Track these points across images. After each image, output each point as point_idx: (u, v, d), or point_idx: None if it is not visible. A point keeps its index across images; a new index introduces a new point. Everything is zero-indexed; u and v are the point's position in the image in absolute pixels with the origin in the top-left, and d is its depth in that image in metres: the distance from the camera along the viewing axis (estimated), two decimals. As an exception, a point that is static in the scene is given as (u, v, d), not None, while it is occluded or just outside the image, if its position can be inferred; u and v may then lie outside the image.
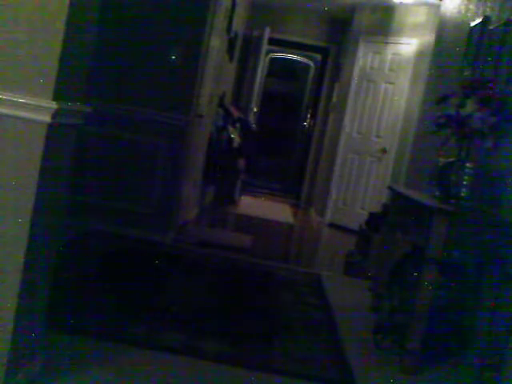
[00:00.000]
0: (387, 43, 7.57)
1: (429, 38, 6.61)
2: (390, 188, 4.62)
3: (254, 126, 9.25)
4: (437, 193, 3.58)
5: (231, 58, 7.99)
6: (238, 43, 8.49)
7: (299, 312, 4.11)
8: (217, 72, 6.61)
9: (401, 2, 7.28)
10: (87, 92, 2.46)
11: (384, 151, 7.37)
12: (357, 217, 7.10)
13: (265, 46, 9.20)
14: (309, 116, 10.62)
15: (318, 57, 10.28)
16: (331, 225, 7.94)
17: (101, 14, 2.43)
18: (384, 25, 7.66)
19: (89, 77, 2.45)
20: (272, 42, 9.39)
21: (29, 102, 2.08)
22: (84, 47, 2.36)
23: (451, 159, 3.58)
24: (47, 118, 2.09)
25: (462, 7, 5.16)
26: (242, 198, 9.20)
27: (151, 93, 5.23)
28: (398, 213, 4.14)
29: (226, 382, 2.89)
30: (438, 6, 6.13)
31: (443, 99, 3.61)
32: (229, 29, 7.04)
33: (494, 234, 3.23)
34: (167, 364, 2.92)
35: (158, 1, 5.22)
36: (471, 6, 4.89)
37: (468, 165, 3.42)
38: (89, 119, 2.46)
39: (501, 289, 3.20)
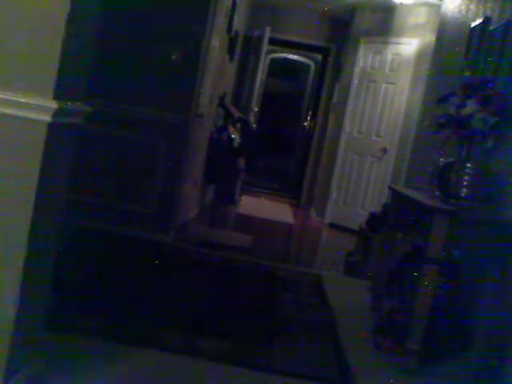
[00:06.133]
0: (388, 43, 7.57)
1: (429, 38, 6.61)
2: (390, 188, 4.62)
3: (254, 125, 9.24)
4: (437, 193, 3.57)
5: (231, 58, 7.99)
6: (239, 43, 8.49)
7: (299, 312, 4.11)
8: (217, 72, 6.60)
9: (401, 3, 7.27)
10: (87, 91, 2.46)
11: (384, 151, 7.37)
12: (357, 217, 7.09)
13: (265, 46, 9.19)
14: (309, 116, 10.61)
15: (319, 57, 10.29)
16: (331, 225, 7.94)
17: (101, 13, 2.43)
18: (384, 25, 7.66)
19: (89, 76, 2.45)
20: (272, 41, 9.38)
21: (29, 101, 2.07)
22: (84, 47, 2.36)
23: (451, 159, 3.58)
24: (47, 118, 2.09)
25: (463, 7, 5.16)
26: (243, 197, 9.20)
27: (151, 92, 5.23)
28: (398, 213, 4.14)
29: (225, 382, 2.88)
30: (439, 6, 6.13)
31: (443, 99, 3.60)
32: (229, 28, 7.04)
33: (494, 234, 3.23)
34: (167, 364, 2.92)
35: (159, 0, 5.21)
36: (472, 7, 4.89)
37: (468, 165, 3.42)
38: (89, 119, 2.45)
39: (500, 289, 3.20)
